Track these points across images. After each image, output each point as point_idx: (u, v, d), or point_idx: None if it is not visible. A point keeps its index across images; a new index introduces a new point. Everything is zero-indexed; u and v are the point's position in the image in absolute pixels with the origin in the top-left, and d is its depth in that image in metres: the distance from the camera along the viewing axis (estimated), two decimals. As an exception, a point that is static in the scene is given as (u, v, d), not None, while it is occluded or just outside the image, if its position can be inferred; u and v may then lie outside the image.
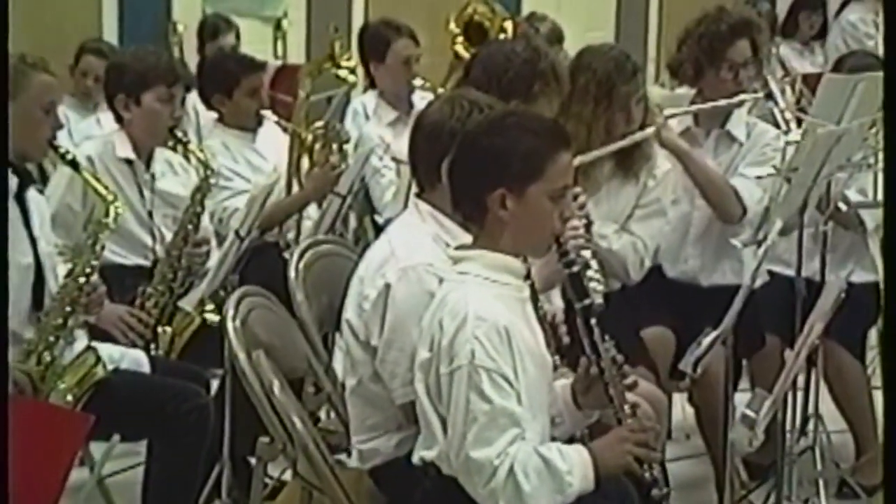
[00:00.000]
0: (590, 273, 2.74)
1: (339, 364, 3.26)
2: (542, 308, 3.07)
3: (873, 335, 4.91)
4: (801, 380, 4.23)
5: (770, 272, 4.49)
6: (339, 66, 5.13)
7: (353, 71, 5.23)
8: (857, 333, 4.63)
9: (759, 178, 4.13)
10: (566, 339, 3.13)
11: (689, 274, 4.39)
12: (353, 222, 5.25)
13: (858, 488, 4.39)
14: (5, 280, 3.05)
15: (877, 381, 4.81)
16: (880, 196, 4.39)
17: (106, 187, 3.67)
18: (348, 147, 4.96)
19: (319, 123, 4.91)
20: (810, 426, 4.29)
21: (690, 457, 4.68)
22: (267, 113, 4.86)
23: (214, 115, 4.90)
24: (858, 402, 4.60)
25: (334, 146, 4.86)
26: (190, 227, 4.22)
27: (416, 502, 2.73)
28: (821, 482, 4.18)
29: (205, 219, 4.35)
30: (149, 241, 4.27)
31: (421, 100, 5.45)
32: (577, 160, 3.72)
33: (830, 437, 4.44)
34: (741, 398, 4.14)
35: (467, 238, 2.77)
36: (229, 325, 2.98)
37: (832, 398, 4.56)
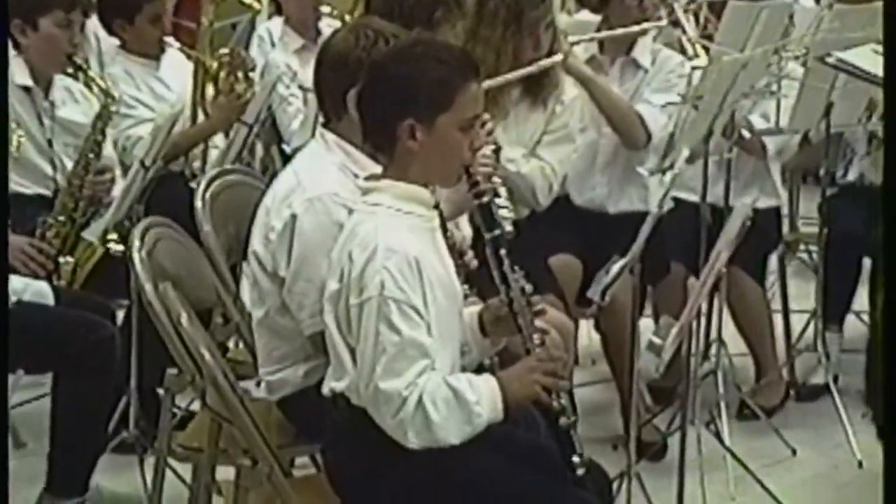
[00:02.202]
0: (499, 201, 2.74)
1: (247, 294, 3.24)
2: (450, 236, 3.07)
3: (773, 259, 5.00)
4: (704, 305, 4.30)
5: (675, 199, 4.53)
6: (243, -8, 5.05)
7: (258, -3, 5.15)
8: (758, 258, 4.72)
9: (665, 105, 4.16)
10: (474, 264, 3.12)
11: (596, 201, 4.43)
12: (259, 151, 5.19)
13: (758, 409, 4.49)
14: (5, 277, 3.01)
15: (776, 304, 4.93)
16: (783, 122, 4.45)
17: None
18: (254, 75, 4.89)
19: (224, 51, 4.82)
20: (713, 350, 4.37)
21: (596, 382, 4.76)
22: (170, 40, 4.76)
23: (116, 41, 4.79)
24: (759, 326, 4.70)
25: (240, 74, 4.78)
26: (91, 155, 4.14)
27: (325, 433, 2.73)
28: (722, 405, 4.27)
29: (108, 147, 4.28)
30: (49, 170, 4.19)
31: (328, 27, 5.39)
32: (485, 85, 3.69)
33: (732, 361, 4.53)
34: (645, 324, 4.22)
35: (374, 168, 2.75)
36: (135, 256, 2.94)
37: (734, 322, 4.65)
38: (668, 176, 3.61)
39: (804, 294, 5.06)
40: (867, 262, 4.86)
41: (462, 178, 2.70)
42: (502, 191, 2.78)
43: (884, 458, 1.16)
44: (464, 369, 2.73)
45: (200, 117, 4.77)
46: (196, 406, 3.78)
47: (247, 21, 5.61)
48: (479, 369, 2.79)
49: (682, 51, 4.73)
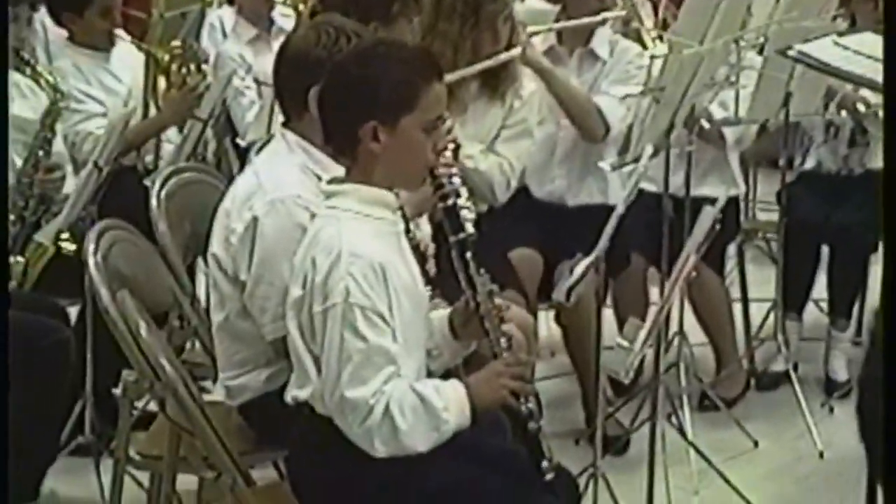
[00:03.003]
0: (461, 202, 2.69)
1: (205, 296, 3.19)
2: (413, 237, 3.03)
3: (731, 248, 5.00)
4: (674, 299, 4.28)
5: (635, 189, 4.52)
6: (194, -19, 4.97)
7: (208, -15, 5.07)
8: (717, 248, 4.69)
9: (623, 97, 4.13)
10: (433, 272, 3.09)
11: (555, 194, 4.40)
12: (213, 144, 5.12)
13: (719, 401, 4.48)
14: (6, 277, 2.93)
15: (734, 293, 4.92)
16: (742, 112, 4.43)
17: None
18: (206, 67, 4.81)
19: (176, 43, 4.75)
20: (675, 342, 4.36)
21: (556, 375, 4.73)
22: (120, 32, 4.67)
23: (65, 33, 4.69)
24: (719, 316, 4.69)
25: (192, 66, 4.71)
26: (40, 152, 4.06)
27: (287, 439, 2.68)
28: (684, 397, 4.26)
29: (59, 143, 4.19)
30: (-4, 167, 4.10)
31: (281, 16, 5.33)
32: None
33: (693, 352, 4.52)
34: (604, 315, 4.19)
35: (337, 169, 2.69)
36: (90, 260, 2.88)
37: (694, 313, 4.63)
38: (632, 172, 3.57)
39: (762, 282, 5.06)
40: (825, 250, 4.86)
41: (425, 180, 2.66)
42: (464, 191, 2.73)
43: (884, 457, 1.14)
44: (432, 373, 2.69)
45: (152, 111, 4.70)
46: (153, 405, 3.71)
47: (197, 10, 5.52)
48: (446, 374, 2.75)
49: (641, 41, 4.70)
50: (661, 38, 4.63)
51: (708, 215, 3.11)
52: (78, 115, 4.50)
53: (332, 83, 2.58)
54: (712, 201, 3.45)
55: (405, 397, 2.48)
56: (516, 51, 3.94)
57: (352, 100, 2.54)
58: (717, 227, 3.16)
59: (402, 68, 2.53)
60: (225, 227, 2.97)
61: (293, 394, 2.62)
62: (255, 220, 2.89)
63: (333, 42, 2.92)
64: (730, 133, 4.62)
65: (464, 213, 2.73)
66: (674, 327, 4.35)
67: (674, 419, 4.16)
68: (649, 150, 3.47)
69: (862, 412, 1.20)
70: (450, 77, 3.70)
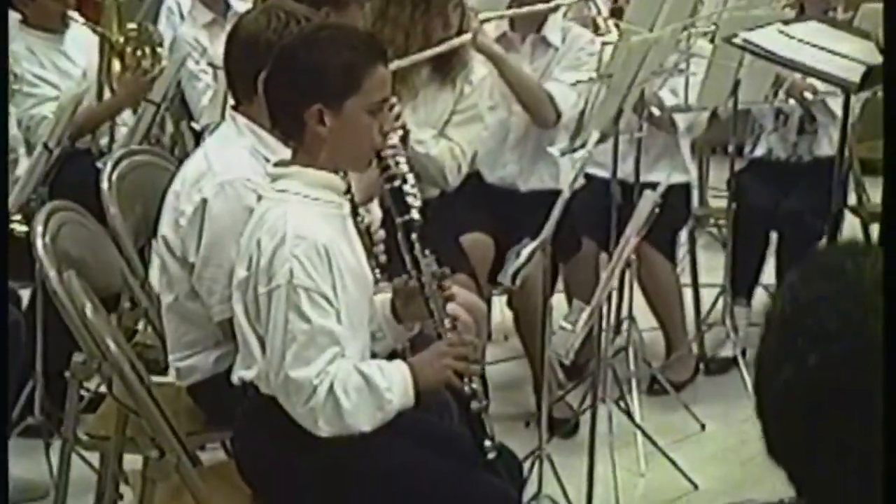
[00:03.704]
0: (406, 188, 2.72)
1: (155, 277, 3.20)
2: (361, 220, 3.06)
3: (683, 234, 5.05)
4: (614, 281, 4.33)
5: (586, 175, 4.54)
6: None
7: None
8: (668, 234, 4.75)
9: (574, 83, 4.16)
10: (383, 258, 3.11)
11: (507, 179, 4.43)
12: (169, 127, 5.12)
13: (668, 384, 4.53)
14: (5, 280, 2.92)
15: (685, 279, 4.98)
16: (692, 99, 4.48)
17: None
18: (162, 50, 4.81)
19: (131, 25, 4.74)
20: (624, 327, 4.41)
21: (509, 359, 4.77)
22: (74, 14, 4.66)
23: (18, 16, 4.67)
24: (669, 301, 4.74)
25: (147, 49, 4.71)
26: (-7, 135, 4.04)
27: (236, 421, 2.71)
28: (633, 381, 4.31)
29: (13, 127, 4.18)
30: (-51, 150, 4.08)
31: (237, 1, 5.32)
32: (395, 65, 3.68)
33: (643, 337, 4.57)
34: (557, 300, 4.24)
35: (286, 152, 2.71)
36: (38, 242, 2.88)
37: (644, 298, 4.68)
38: (579, 156, 3.61)
39: (714, 268, 5.11)
40: (774, 236, 4.92)
41: (372, 163, 2.69)
42: (410, 177, 2.75)
43: (884, 458, 1.17)
44: (375, 355, 2.72)
45: (107, 94, 4.69)
46: (105, 388, 3.73)
47: (154, -7, 5.53)
48: (391, 356, 2.78)
49: (595, 28, 4.74)
50: (614, 24, 4.66)
51: (648, 199, 3.16)
52: (32, 100, 4.48)
53: (278, 67, 2.60)
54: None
55: (349, 377, 2.51)
56: (467, 36, 3.96)
57: (297, 83, 2.56)
58: (657, 210, 3.20)
59: (346, 51, 2.55)
60: (174, 209, 2.99)
61: (239, 374, 2.65)
62: (204, 202, 2.91)
63: (284, 26, 2.94)
64: (681, 119, 4.67)
65: (408, 199, 2.77)
66: (624, 312, 4.41)
67: (623, 403, 4.20)
68: (595, 135, 3.51)
69: (759, 391, 1.24)
70: (401, 62, 3.75)
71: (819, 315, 1.18)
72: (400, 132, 3.30)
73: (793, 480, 1.22)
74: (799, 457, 1.20)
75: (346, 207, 2.69)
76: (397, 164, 2.74)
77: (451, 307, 2.75)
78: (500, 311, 4.81)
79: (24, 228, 3.88)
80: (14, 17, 4.75)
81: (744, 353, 4.75)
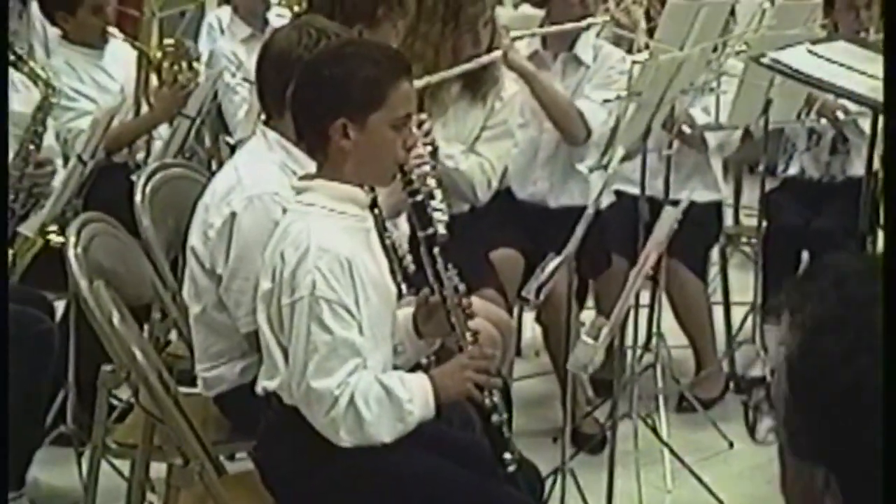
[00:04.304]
0: (434, 203, 2.76)
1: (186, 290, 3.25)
2: (388, 237, 3.09)
3: (715, 252, 5.05)
4: (644, 297, 4.35)
5: (617, 192, 4.58)
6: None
7: (205, -15, 5.14)
8: (699, 252, 4.77)
9: (605, 101, 4.19)
10: (411, 269, 3.15)
11: (537, 195, 4.45)
12: (207, 142, 5.18)
13: (696, 402, 4.53)
14: (5, 283, 2.98)
15: (716, 297, 4.98)
16: (722, 118, 4.50)
17: None
18: (198, 65, 4.88)
19: (169, 41, 4.81)
20: (653, 343, 4.42)
21: (539, 375, 4.79)
22: (113, 30, 4.73)
23: (58, 31, 4.76)
24: (699, 318, 4.74)
25: (183, 64, 4.77)
26: (31, 147, 4.11)
27: (259, 431, 2.75)
28: (661, 397, 4.31)
29: (51, 139, 4.25)
30: (-12, 160, 4.16)
31: (277, 17, 5.39)
32: (425, 81, 3.74)
33: (671, 354, 4.58)
34: (588, 316, 4.25)
35: (315, 167, 2.76)
36: (71, 252, 2.94)
37: (674, 315, 4.69)
38: (606, 174, 3.64)
39: (745, 286, 5.11)
40: (805, 255, 4.92)
41: (397, 178, 2.72)
42: (437, 193, 2.79)
43: (884, 458, 1.19)
44: (398, 369, 2.75)
45: (144, 109, 4.76)
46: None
47: (195, 9, 5.60)
48: (414, 369, 2.81)
49: (630, 47, 4.76)
50: (646, 44, 4.68)
51: (669, 215, 3.18)
52: (70, 113, 4.55)
53: (303, 82, 2.64)
54: (691, 205, 3.53)
55: (370, 388, 2.55)
56: (497, 53, 4.00)
57: (322, 98, 2.60)
58: (680, 227, 3.22)
59: (370, 66, 2.59)
60: (203, 222, 3.04)
61: (263, 384, 2.68)
62: (232, 215, 2.95)
63: (315, 43, 2.98)
64: (712, 138, 4.68)
65: (435, 214, 2.80)
66: (653, 329, 4.42)
67: (650, 419, 4.21)
68: (621, 151, 3.53)
69: (807, 390, 1.25)
70: (431, 79, 3.79)
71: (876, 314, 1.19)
72: (429, 148, 3.34)
73: (835, 474, 1.21)
74: (854, 453, 1.20)
75: (370, 221, 2.72)
76: (422, 178, 2.77)
77: (472, 322, 2.77)
78: (531, 327, 4.83)
79: (59, 239, 3.95)
80: (54, 32, 4.84)
81: (773, 372, 4.73)
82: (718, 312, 4.94)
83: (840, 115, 4.73)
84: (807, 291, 1.22)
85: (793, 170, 5.09)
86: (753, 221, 5.37)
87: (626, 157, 3.68)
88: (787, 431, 1.24)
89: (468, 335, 2.73)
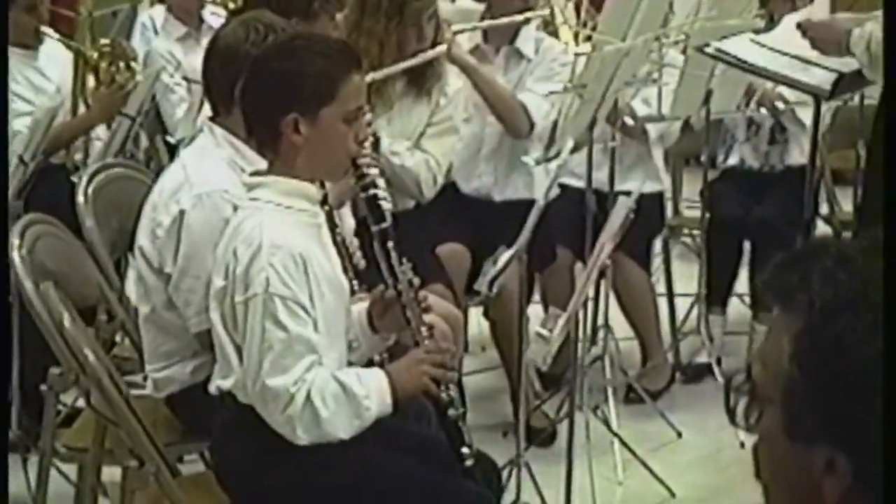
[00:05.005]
0: (379, 192, 2.73)
1: (132, 290, 3.20)
2: (339, 233, 3.07)
3: (657, 244, 5.08)
4: (591, 291, 4.35)
5: (560, 184, 4.56)
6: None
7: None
8: (643, 243, 4.78)
9: (548, 94, 4.19)
10: (362, 264, 3.13)
11: (482, 190, 4.45)
12: (144, 142, 5.12)
13: (644, 393, 4.55)
14: (6, 281, 2.91)
15: (660, 288, 5.00)
16: (664, 109, 4.51)
17: None
18: (136, 65, 4.82)
19: (105, 41, 4.75)
20: (600, 336, 4.43)
21: (486, 369, 4.78)
22: (48, 30, 4.66)
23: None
24: (645, 310, 4.76)
25: (121, 64, 4.71)
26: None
27: (214, 430, 2.72)
28: (609, 389, 4.33)
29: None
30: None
31: (211, 15, 5.34)
32: (370, 77, 3.70)
33: (619, 346, 4.59)
34: (533, 310, 4.25)
35: (263, 163, 2.73)
36: (14, 255, 2.89)
37: (620, 307, 4.71)
38: (553, 165, 3.63)
39: (688, 277, 5.14)
40: (747, 245, 4.95)
41: (347, 171, 2.70)
42: (381, 182, 2.77)
43: (884, 458, 1.18)
44: (352, 365, 2.73)
45: (82, 109, 4.70)
46: (82, 402, 3.72)
47: (128, 9, 5.53)
48: (367, 365, 2.79)
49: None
50: (588, 38, 4.69)
51: (623, 206, 3.18)
52: (5, 114, 4.49)
53: (253, 77, 2.62)
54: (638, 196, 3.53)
55: (327, 385, 2.52)
56: (442, 48, 3.99)
57: (272, 93, 2.58)
58: (632, 216, 3.23)
59: (320, 60, 2.57)
60: (151, 220, 3.00)
61: (217, 383, 2.65)
62: (181, 213, 2.92)
63: (262, 38, 2.95)
64: (653, 129, 4.70)
65: (382, 203, 2.78)
66: (600, 321, 4.43)
67: (600, 411, 4.22)
68: (569, 145, 3.53)
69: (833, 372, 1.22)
70: (376, 74, 3.77)
71: None
72: (371, 139, 3.32)
73: (845, 453, 1.19)
74: (872, 429, 1.17)
75: (321, 216, 2.70)
76: (371, 171, 2.75)
77: (427, 317, 2.76)
78: (478, 322, 4.82)
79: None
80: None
81: (719, 361, 4.78)
82: (662, 304, 4.96)
83: (779, 104, 4.77)
84: (805, 272, 1.21)
85: (733, 160, 5.13)
86: (694, 213, 5.41)
87: (575, 150, 3.68)
88: (786, 415, 1.21)
89: (424, 329, 2.72)
